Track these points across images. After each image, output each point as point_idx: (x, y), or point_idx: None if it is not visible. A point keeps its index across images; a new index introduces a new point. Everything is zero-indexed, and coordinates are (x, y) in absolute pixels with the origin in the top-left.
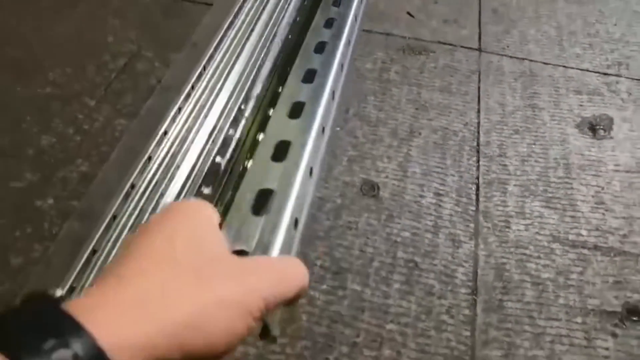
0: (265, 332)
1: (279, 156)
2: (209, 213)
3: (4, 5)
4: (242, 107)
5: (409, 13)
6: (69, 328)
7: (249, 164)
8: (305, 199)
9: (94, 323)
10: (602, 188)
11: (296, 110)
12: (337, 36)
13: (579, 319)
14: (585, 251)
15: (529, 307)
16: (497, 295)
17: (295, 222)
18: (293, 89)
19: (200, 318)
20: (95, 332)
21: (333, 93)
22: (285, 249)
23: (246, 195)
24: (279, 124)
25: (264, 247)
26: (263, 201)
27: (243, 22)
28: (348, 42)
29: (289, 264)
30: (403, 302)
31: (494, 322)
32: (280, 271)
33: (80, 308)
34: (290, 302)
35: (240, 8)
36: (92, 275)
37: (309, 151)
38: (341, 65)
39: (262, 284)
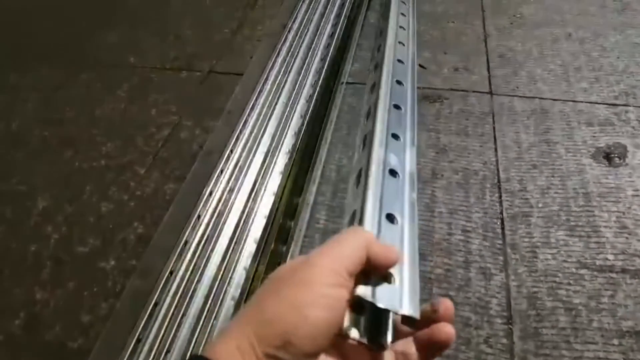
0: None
1: None
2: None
3: (58, 89)
4: (276, 164)
5: (420, 65)
6: None
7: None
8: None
9: (215, 355)
10: (623, 213)
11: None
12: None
13: (615, 341)
14: (613, 275)
15: (565, 333)
16: (532, 323)
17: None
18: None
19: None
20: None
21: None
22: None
23: None
24: None
25: None
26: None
27: (270, 90)
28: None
29: (344, 235)
30: None
31: (531, 349)
32: (335, 244)
33: (208, 351)
34: (375, 266)
35: (267, 77)
36: (155, 327)
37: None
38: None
39: (324, 260)
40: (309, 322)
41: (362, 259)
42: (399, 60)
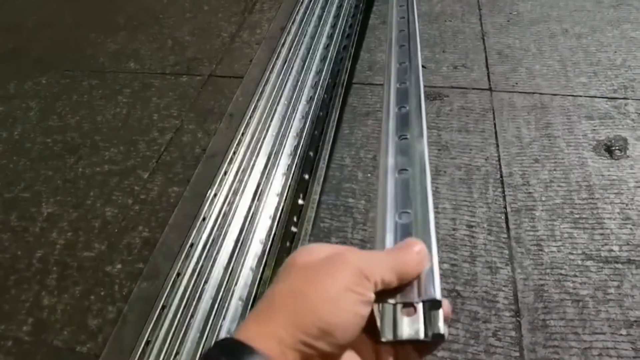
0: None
1: None
2: (304, 248)
3: (59, 97)
4: (279, 165)
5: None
6: (233, 346)
7: None
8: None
9: (249, 339)
10: (627, 205)
11: None
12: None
13: (623, 331)
14: (619, 266)
15: (573, 324)
16: (540, 315)
17: None
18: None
19: (319, 306)
20: (254, 345)
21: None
22: None
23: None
24: None
25: None
26: None
27: (271, 92)
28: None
29: (398, 246)
30: (451, 330)
31: (540, 341)
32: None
33: (240, 334)
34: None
35: (268, 79)
36: (163, 329)
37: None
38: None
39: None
40: (346, 315)
41: (395, 279)
42: (401, 62)
